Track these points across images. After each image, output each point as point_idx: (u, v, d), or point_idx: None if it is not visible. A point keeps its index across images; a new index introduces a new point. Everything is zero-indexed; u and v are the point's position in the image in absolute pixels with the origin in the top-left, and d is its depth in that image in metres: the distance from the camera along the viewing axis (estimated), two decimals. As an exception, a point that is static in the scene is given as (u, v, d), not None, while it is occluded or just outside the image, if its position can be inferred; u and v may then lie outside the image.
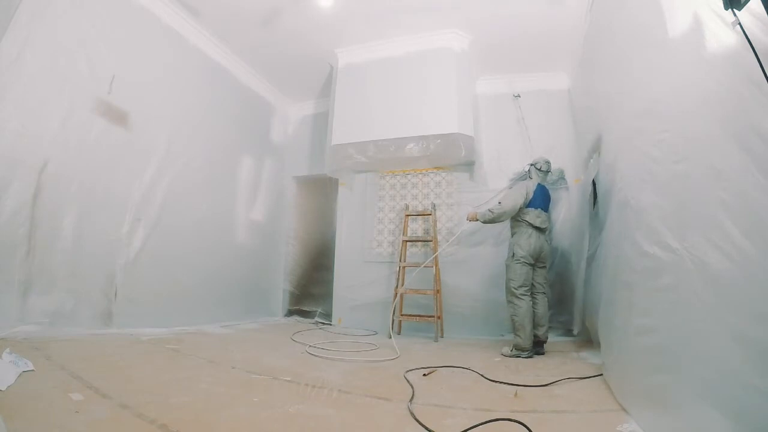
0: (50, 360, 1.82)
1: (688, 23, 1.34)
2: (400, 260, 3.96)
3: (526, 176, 3.29)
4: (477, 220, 3.14)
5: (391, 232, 4.40)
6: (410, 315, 3.89)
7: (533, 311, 2.88)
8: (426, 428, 1.35)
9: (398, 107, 3.82)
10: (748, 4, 0.97)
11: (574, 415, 1.59)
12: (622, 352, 1.82)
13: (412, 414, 1.50)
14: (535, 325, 2.85)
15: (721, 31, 1.11)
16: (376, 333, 3.83)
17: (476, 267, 4.03)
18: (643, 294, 1.58)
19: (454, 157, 3.90)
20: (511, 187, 3.29)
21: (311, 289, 4.85)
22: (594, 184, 2.99)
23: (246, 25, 3.71)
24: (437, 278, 3.84)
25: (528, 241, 2.93)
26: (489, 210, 3.04)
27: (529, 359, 2.71)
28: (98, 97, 2.77)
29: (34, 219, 2.35)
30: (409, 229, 4.25)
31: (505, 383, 1.99)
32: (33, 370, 1.61)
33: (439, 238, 4.12)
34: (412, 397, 1.74)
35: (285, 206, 5.04)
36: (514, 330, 2.82)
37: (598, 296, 2.46)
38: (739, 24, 1.01)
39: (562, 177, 3.99)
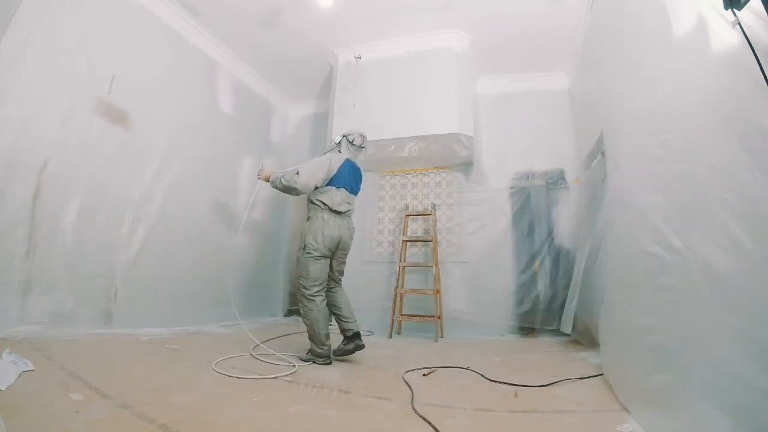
0: (50, 360, 1.82)
1: (691, 23, 1.34)
2: (400, 260, 3.96)
3: (335, 148, 2.73)
4: (268, 181, 2.60)
5: (391, 232, 4.40)
6: (410, 315, 3.89)
7: (336, 304, 2.52)
8: (431, 425, 1.35)
9: (398, 107, 3.82)
10: (749, 3, 0.96)
11: (574, 415, 1.59)
12: (623, 352, 1.82)
13: (415, 411, 1.50)
14: (343, 319, 2.48)
15: (723, 31, 1.11)
16: (372, 333, 3.83)
17: (476, 266, 4.03)
18: (644, 293, 1.58)
19: (454, 157, 3.90)
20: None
21: (311, 289, 4.84)
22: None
23: (246, 25, 3.71)
24: (437, 278, 3.84)
25: (323, 230, 2.41)
26: (282, 177, 2.49)
27: (328, 365, 2.32)
28: (98, 97, 2.76)
29: (34, 219, 2.35)
30: (409, 229, 4.25)
31: (505, 383, 1.99)
32: (33, 370, 1.61)
33: (439, 237, 4.12)
34: (413, 398, 1.74)
35: (285, 206, 5.04)
36: (309, 335, 2.39)
37: (600, 296, 2.45)
38: (739, 24, 1.01)
39: (562, 177, 3.99)
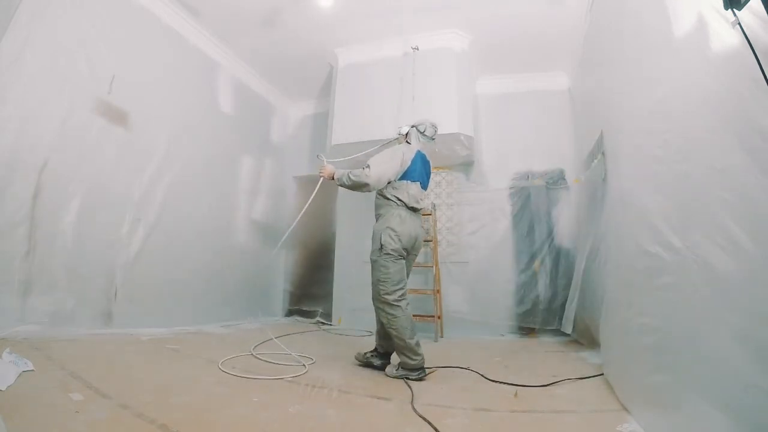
0: (50, 360, 1.82)
1: (691, 23, 1.34)
2: (400, 260, 3.96)
3: (401, 140, 2.50)
4: (333, 180, 2.39)
5: (391, 232, 4.39)
6: (410, 315, 3.88)
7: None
8: (431, 424, 1.35)
9: (398, 107, 3.81)
10: (749, 3, 0.96)
11: (574, 415, 1.59)
12: (623, 351, 1.82)
13: (415, 411, 1.50)
14: (384, 335, 2.23)
15: (724, 31, 1.11)
16: (371, 333, 3.83)
17: (476, 266, 4.03)
18: (644, 293, 1.58)
19: (454, 157, 3.90)
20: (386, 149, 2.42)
21: (311, 289, 4.85)
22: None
23: (246, 25, 3.71)
24: (437, 278, 3.84)
25: (402, 227, 2.19)
26: (350, 173, 2.25)
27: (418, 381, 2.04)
28: (98, 97, 2.76)
29: (34, 219, 2.35)
30: (409, 229, 4.25)
31: (505, 383, 1.99)
32: (33, 370, 1.61)
33: (439, 237, 4.12)
34: (412, 398, 1.74)
35: (285, 206, 5.04)
36: (396, 347, 2.13)
37: (600, 295, 2.45)
38: (739, 24, 1.01)
39: (562, 177, 3.99)
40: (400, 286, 2.15)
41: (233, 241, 4.19)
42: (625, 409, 1.60)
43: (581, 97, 3.75)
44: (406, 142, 2.46)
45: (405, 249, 2.20)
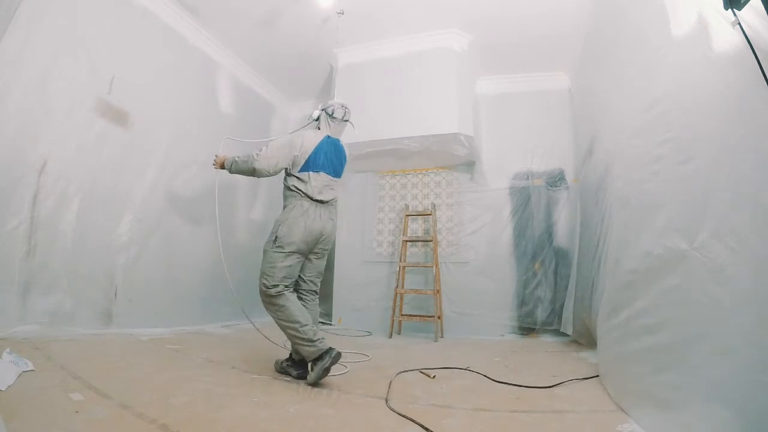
0: (50, 360, 1.82)
1: (692, 23, 1.34)
2: (401, 260, 3.96)
3: (311, 124, 2.32)
4: (224, 169, 2.25)
5: (391, 232, 4.40)
6: (410, 315, 3.89)
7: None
8: (427, 427, 1.35)
9: (398, 107, 3.81)
10: (750, 2, 0.96)
11: (574, 415, 1.59)
12: (622, 352, 1.82)
13: (402, 415, 1.50)
14: None
15: (725, 30, 1.11)
16: (370, 333, 3.84)
17: (476, 266, 4.03)
18: (646, 294, 1.58)
19: (454, 157, 3.90)
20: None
21: (311, 289, 4.84)
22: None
23: (246, 25, 3.71)
24: (437, 278, 3.85)
25: (302, 221, 2.04)
26: (237, 157, 2.16)
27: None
28: (98, 97, 2.76)
29: (34, 219, 2.35)
30: (409, 229, 4.25)
31: (505, 383, 1.99)
32: (33, 370, 1.61)
33: (439, 237, 4.12)
34: (413, 398, 1.74)
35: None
36: (292, 342, 1.97)
37: (599, 296, 2.45)
38: (739, 24, 1.01)
39: (562, 177, 3.99)
40: (285, 283, 2.00)
41: (233, 240, 4.18)
42: (624, 410, 1.60)
43: (581, 97, 3.75)
44: (317, 127, 2.29)
45: (306, 243, 2.06)
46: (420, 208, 4.31)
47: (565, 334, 3.46)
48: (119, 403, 1.40)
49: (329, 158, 2.18)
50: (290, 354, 2.08)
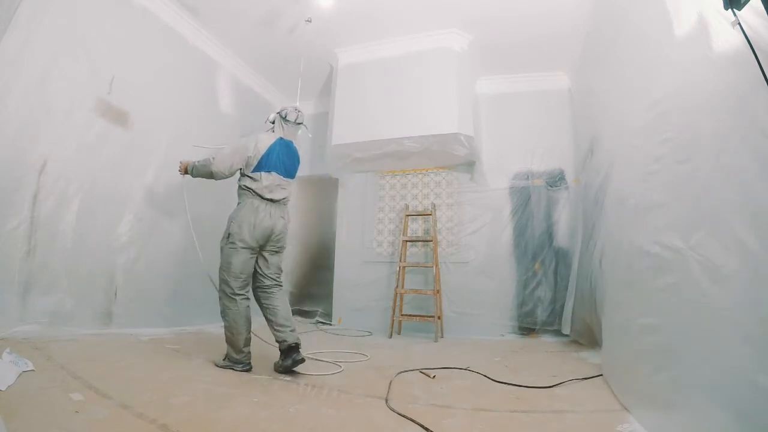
0: (50, 360, 1.82)
1: (692, 23, 1.34)
2: (401, 260, 3.96)
3: (270, 128, 2.45)
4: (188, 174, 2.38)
5: (391, 232, 4.40)
6: (410, 315, 3.89)
7: (270, 308, 2.18)
8: (424, 427, 1.35)
9: (398, 107, 3.81)
10: (750, 2, 0.96)
11: (574, 415, 1.59)
12: (623, 352, 1.82)
13: (401, 415, 1.50)
14: (277, 327, 2.12)
15: (725, 31, 1.11)
16: (371, 334, 3.84)
17: (476, 266, 4.03)
18: (645, 293, 1.58)
19: (454, 157, 3.90)
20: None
21: (311, 289, 4.85)
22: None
23: (246, 25, 3.71)
24: (437, 278, 3.85)
25: (252, 219, 2.15)
26: (197, 162, 2.30)
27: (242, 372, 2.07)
28: (98, 97, 2.76)
29: (34, 219, 2.35)
30: (409, 229, 4.25)
31: (505, 383, 1.99)
32: (33, 370, 1.61)
33: (439, 237, 4.12)
34: (412, 398, 1.74)
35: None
36: (225, 337, 2.12)
37: (600, 296, 2.45)
38: (739, 24, 1.01)
39: (562, 177, 3.99)
40: (241, 278, 2.13)
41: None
42: (626, 409, 1.60)
43: (581, 97, 3.75)
44: (272, 130, 2.40)
45: (256, 240, 2.16)
46: (420, 208, 4.31)
47: (565, 334, 3.46)
48: (119, 403, 1.40)
49: (281, 159, 2.29)
50: (279, 350, 2.14)
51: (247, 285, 2.20)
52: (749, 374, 0.92)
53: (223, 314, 2.14)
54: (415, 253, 4.24)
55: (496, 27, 3.63)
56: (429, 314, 3.85)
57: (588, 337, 2.99)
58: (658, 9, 1.64)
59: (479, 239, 4.08)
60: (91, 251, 2.68)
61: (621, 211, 2.04)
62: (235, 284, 2.13)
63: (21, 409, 1.26)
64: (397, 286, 3.85)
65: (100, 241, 2.75)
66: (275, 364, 2.14)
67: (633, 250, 1.72)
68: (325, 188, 4.95)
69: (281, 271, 2.35)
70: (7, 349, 1.68)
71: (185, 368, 2.06)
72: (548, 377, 2.10)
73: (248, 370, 2.09)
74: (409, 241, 4.13)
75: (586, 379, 2.08)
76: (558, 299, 3.69)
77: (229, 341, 2.11)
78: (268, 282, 2.26)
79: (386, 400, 1.67)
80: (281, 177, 2.28)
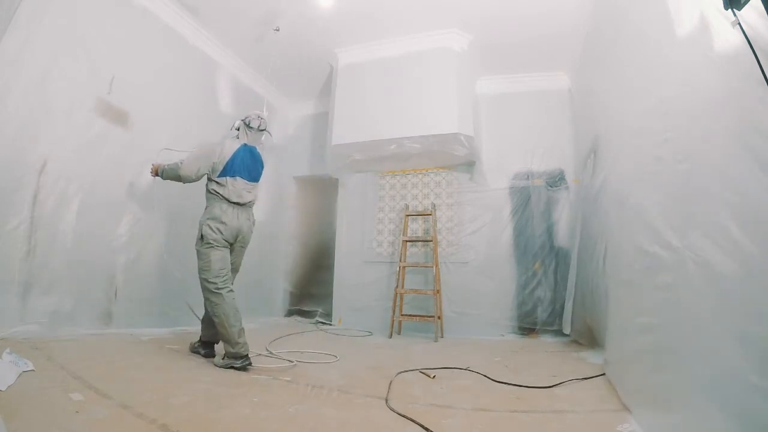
0: (50, 360, 1.82)
1: (692, 23, 1.34)
2: (401, 260, 3.96)
3: (234, 134, 2.56)
4: (158, 175, 2.49)
5: (391, 232, 4.40)
6: (410, 315, 3.89)
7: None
8: (424, 427, 1.35)
9: (398, 107, 3.82)
10: (750, 2, 0.96)
11: (574, 415, 1.59)
12: (624, 351, 1.82)
13: (401, 415, 1.50)
14: (208, 323, 2.31)
15: (726, 31, 1.11)
16: (371, 334, 3.83)
17: (476, 266, 4.03)
18: (643, 292, 1.58)
19: (454, 157, 3.90)
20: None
21: (311, 289, 4.85)
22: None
23: (246, 25, 3.71)
24: (437, 278, 3.84)
25: (221, 219, 2.28)
26: (166, 165, 2.42)
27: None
28: (98, 97, 2.76)
29: (34, 219, 2.35)
30: (409, 229, 4.25)
31: (505, 383, 1.99)
32: (33, 370, 1.61)
33: (439, 237, 4.12)
34: (412, 398, 1.74)
35: (285, 206, 5.03)
36: (219, 335, 2.19)
37: (600, 296, 2.45)
38: (739, 24, 1.01)
39: (562, 177, 3.99)
40: (221, 274, 2.24)
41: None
42: (626, 409, 1.60)
43: (581, 97, 3.75)
44: (236, 136, 2.51)
45: (226, 240, 2.30)
46: (420, 208, 4.31)
47: (565, 334, 3.46)
48: (119, 403, 1.40)
49: (245, 164, 2.41)
50: (200, 336, 2.36)
51: (229, 279, 2.29)
52: (745, 374, 0.92)
53: (213, 312, 2.20)
54: (415, 253, 4.24)
55: (496, 27, 3.63)
56: (429, 314, 3.85)
57: (588, 337, 2.99)
58: (659, 9, 1.63)
59: (479, 239, 4.08)
60: (91, 251, 2.68)
61: (621, 210, 2.04)
62: (218, 281, 2.22)
63: (21, 409, 1.26)
64: (397, 286, 3.85)
65: (100, 241, 2.75)
66: (191, 344, 2.41)
67: (632, 250, 1.72)
68: (325, 188, 4.95)
69: (237, 271, 2.50)
70: (7, 349, 1.68)
71: (185, 368, 2.06)
72: (548, 377, 2.10)
73: (249, 365, 2.12)
74: (409, 241, 4.13)
75: (586, 379, 2.08)
76: (558, 299, 3.69)
77: (224, 337, 2.15)
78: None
79: (386, 400, 1.67)
80: (246, 181, 2.40)
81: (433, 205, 4.15)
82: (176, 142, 3.37)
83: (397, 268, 3.94)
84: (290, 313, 4.82)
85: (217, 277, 2.22)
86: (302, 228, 5.09)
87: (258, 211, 4.51)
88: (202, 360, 2.29)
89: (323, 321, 4.48)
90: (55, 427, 1.17)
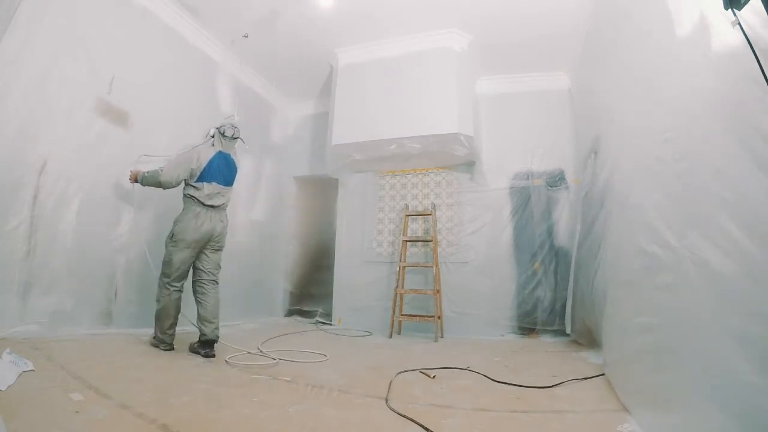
0: (50, 360, 1.82)
1: (692, 23, 1.34)
2: (401, 260, 3.96)
3: (209, 141, 2.73)
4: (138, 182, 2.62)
5: (391, 232, 4.40)
6: (410, 315, 3.89)
7: (202, 301, 2.50)
8: (424, 427, 1.35)
9: (398, 107, 3.81)
10: (750, 2, 0.96)
11: (574, 415, 1.59)
12: (623, 351, 1.82)
13: (401, 415, 1.50)
14: (203, 321, 2.45)
15: (725, 31, 1.11)
16: (371, 334, 3.83)
17: (476, 266, 4.03)
18: (642, 292, 1.58)
19: (454, 157, 3.90)
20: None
21: (311, 289, 4.85)
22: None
23: (246, 25, 3.71)
24: (437, 278, 3.84)
25: (194, 222, 2.46)
26: (147, 172, 2.56)
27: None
28: (98, 97, 2.76)
29: (34, 219, 2.35)
30: (409, 229, 4.25)
31: (505, 383, 1.99)
32: (33, 370, 1.61)
33: (439, 237, 4.12)
34: (412, 398, 1.74)
35: (285, 206, 5.03)
36: (156, 319, 2.43)
37: (600, 295, 2.45)
38: (739, 24, 1.01)
39: (562, 177, 3.99)
40: (178, 273, 2.46)
41: (233, 241, 4.17)
42: (626, 409, 1.60)
43: (581, 97, 3.75)
44: (212, 144, 2.69)
45: (196, 241, 2.49)
46: (420, 208, 4.31)
47: (565, 334, 3.46)
48: (119, 403, 1.40)
49: (220, 170, 2.62)
50: (199, 336, 2.46)
51: (182, 279, 2.51)
52: (745, 374, 0.92)
53: (158, 300, 2.45)
54: (415, 253, 4.24)
55: (496, 27, 3.63)
56: (429, 314, 3.85)
57: (588, 337, 2.99)
58: (659, 9, 1.63)
59: (479, 239, 4.08)
60: (91, 251, 2.68)
61: (622, 210, 2.04)
62: (172, 276, 2.45)
63: (21, 409, 1.26)
64: (397, 286, 3.85)
65: (100, 241, 2.75)
66: (191, 345, 2.48)
67: (632, 250, 1.72)
68: (325, 188, 4.95)
69: (219, 268, 2.66)
70: (7, 349, 1.68)
71: (185, 368, 2.06)
72: (548, 377, 2.10)
73: (170, 350, 2.41)
74: (409, 241, 4.13)
75: (586, 379, 2.08)
76: (558, 299, 3.69)
77: (158, 322, 2.43)
78: (205, 277, 2.57)
79: (386, 400, 1.67)
80: (220, 186, 2.60)
81: (433, 205, 4.15)
82: (176, 142, 3.38)
83: (397, 268, 3.94)
84: (290, 313, 4.83)
85: (173, 272, 2.44)
86: (302, 228, 5.09)
87: (258, 211, 4.57)
88: (202, 360, 2.29)
89: (323, 321, 4.48)
90: (55, 427, 1.17)
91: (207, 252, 2.58)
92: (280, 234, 4.95)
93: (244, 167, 4.40)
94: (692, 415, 1.14)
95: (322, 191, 5.02)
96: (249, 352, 2.51)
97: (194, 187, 2.52)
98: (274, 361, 2.33)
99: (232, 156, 2.76)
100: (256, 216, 4.55)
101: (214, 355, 2.37)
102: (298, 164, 5.10)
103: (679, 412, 1.23)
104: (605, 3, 2.74)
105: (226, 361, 2.28)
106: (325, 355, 2.57)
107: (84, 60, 2.66)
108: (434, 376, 2.12)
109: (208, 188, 2.53)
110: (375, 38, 3.94)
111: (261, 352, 2.58)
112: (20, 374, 1.53)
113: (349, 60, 4.15)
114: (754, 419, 0.90)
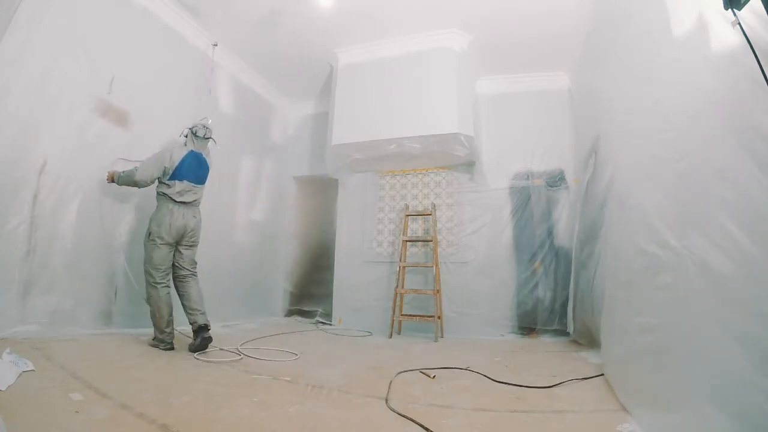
0: (50, 360, 1.82)
1: (692, 23, 1.34)
2: (401, 260, 3.96)
3: (183, 140, 2.82)
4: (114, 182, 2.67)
5: (391, 232, 4.40)
6: (410, 315, 3.89)
7: (185, 294, 2.61)
8: (424, 427, 1.35)
9: (398, 107, 3.81)
10: (750, 2, 0.96)
11: (574, 415, 1.59)
12: (623, 351, 1.82)
13: (401, 415, 1.50)
14: (190, 311, 2.55)
15: (725, 31, 1.11)
16: (371, 334, 3.84)
17: (476, 266, 4.03)
18: (642, 293, 1.58)
19: (454, 157, 3.90)
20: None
21: (311, 289, 4.85)
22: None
23: (246, 25, 3.71)
24: (437, 278, 3.85)
25: (168, 219, 2.54)
26: (122, 172, 2.63)
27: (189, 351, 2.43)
28: (98, 97, 2.76)
29: (34, 219, 2.35)
30: (409, 229, 4.25)
31: (505, 383, 1.99)
32: (33, 370, 1.61)
33: (439, 237, 4.12)
34: (412, 398, 1.74)
35: (285, 206, 5.04)
36: (152, 321, 2.50)
37: (600, 295, 2.45)
38: (739, 24, 1.01)
39: (562, 177, 3.99)
40: (161, 270, 2.52)
41: (233, 241, 4.18)
42: (625, 410, 1.60)
43: (581, 97, 3.75)
44: (185, 143, 2.77)
45: (173, 237, 2.57)
46: (420, 208, 4.31)
47: (565, 334, 3.46)
48: (119, 403, 1.40)
49: (192, 168, 2.69)
50: (192, 328, 2.53)
51: (167, 275, 2.58)
52: (744, 374, 0.92)
53: (148, 300, 2.51)
54: (415, 253, 4.24)
55: (496, 27, 3.63)
56: (429, 314, 3.85)
57: (588, 337, 2.99)
58: (659, 9, 1.63)
59: (479, 239, 4.08)
60: (91, 251, 2.68)
61: (622, 210, 2.04)
62: (156, 275, 2.50)
63: (21, 409, 1.26)
64: (397, 286, 3.85)
65: (100, 241, 2.75)
66: (190, 345, 2.49)
67: (632, 250, 1.72)
68: (325, 188, 4.95)
69: (195, 263, 2.75)
70: (7, 349, 1.68)
71: (185, 368, 2.06)
72: (548, 377, 2.10)
73: (171, 349, 2.44)
74: (409, 241, 4.13)
75: (586, 379, 2.08)
76: (558, 299, 3.70)
77: (155, 323, 2.48)
78: (183, 272, 2.65)
79: (386, 400, 1.67)
80: (192, 184, 2.67)
81: (433, 205, 4.15)
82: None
83: (397, 268, 3.94)
84: (290, 313, 4.83)
85: (156, 270, 2.50)
86: (302, 228, 5.10)
87: (258, 211, 4.57)
88: (202, 360, 2.29)
89: (323, 321, 4.48)
90: (55, 427, 1.17)
91: (181, 249, 2.65)
92: (280, 234, 4.95)
93: (244, 167, 4.42)
94: (692, 415, 1.14)
95: (322, 191, 5.02)
96: (221, 349, 2.57)
97: (166, 184, 2.59)
98: (239, 357, 2.40)
99: (204, 155, 2.82)
100: (256, 216, 4.55)
101: (211, 339, 2.49)
102: (298, 164, 5.10)
103: (679, 412, 1.22)
104: (605, 3, 2.74)
105: (195, 357, 2.34)
106: (296, 354, 2.58)
107: (84, 60, 2.66)
108: (434, 376, 2.12)
109: (179, 186, 2.60)
110: (375, 38, 3.94)
111: (238, 350, 2.59)
112: (20, 374, 1.53)
113: (349, 60, 4.15)
114: (754, 419, 0.90)
